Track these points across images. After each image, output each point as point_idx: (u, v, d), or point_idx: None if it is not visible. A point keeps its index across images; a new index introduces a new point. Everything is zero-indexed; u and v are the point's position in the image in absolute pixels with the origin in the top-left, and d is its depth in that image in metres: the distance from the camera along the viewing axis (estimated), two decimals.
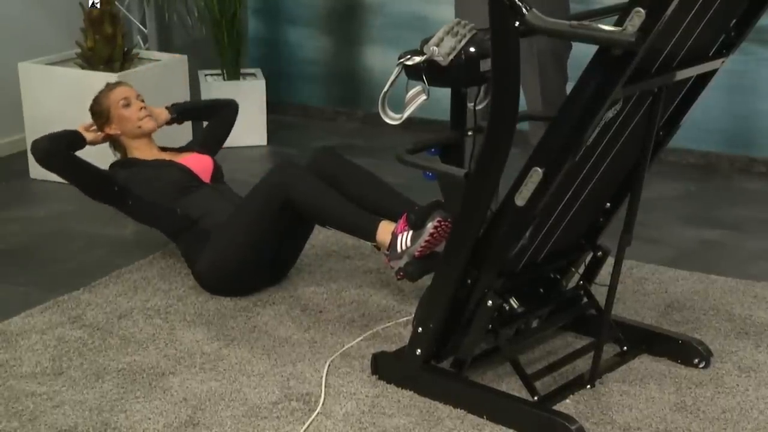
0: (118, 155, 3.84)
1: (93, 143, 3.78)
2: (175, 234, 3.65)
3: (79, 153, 3.69)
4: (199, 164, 3.77)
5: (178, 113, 3.93)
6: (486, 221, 2.72)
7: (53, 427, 2.79)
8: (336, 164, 3.53)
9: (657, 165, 3.04)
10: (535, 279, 3.11)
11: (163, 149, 3.86)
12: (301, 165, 3.50)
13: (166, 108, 3.90)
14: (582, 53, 2.46)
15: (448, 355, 2.96)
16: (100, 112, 3.78)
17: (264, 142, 5.33)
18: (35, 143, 3.63)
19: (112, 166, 3.79)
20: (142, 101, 3.80)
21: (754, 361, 3.14)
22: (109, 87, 3.84)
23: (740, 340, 3.28)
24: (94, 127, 3.79)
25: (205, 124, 4.09)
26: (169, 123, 3.90)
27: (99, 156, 3.83)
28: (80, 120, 4.63)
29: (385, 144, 5.11)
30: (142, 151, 3.79)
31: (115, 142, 3.82)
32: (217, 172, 3.81)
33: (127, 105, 3.75)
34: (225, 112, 4.03)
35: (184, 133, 4.40)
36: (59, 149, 3.62)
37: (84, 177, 3.67)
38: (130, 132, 3.77)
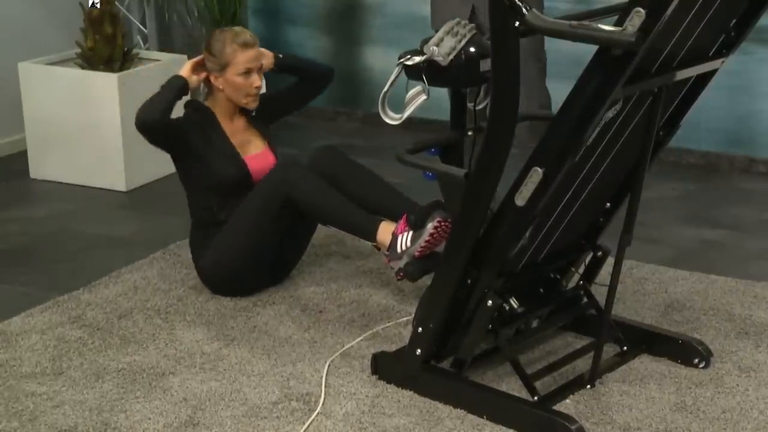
0: (204, 91, 3.59)
1: (194, 87, 3.51)
2: (196, 219, 3.57)
3: None
4: (262, 168, 3.53)
5: (280, 66, 3.63)
6: (486, 221, 2.72)
7: (53, 427, 2.79)
8: (337, 163, 3.53)
9: (657, 165, 3.04)
10: (535, 279, 3.11)
11: (241, 112, 3.59)
12: (302, 164, 3.50)
13: (273, 54, 3.60)
14: (582, 53, 2.46)
15: (448, 355, 2.96)
16: (217, 59, 3.46)
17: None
18: (141, 112, 3.35)
19: (191, 107, 3.54)
20: (260, 71, 3.52)
21: (754, 361, 3.14)
22: (243, 41, 3.47)
23: (740, 340, 3.27)
24: (201, 67, 3.49)
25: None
26: (266, 71, 3.62)
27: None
28: (80, 120, 4.64)
29: (385, 144, 5.11)
30: (225, 111, 3.55)
31: (210, 85, 3.54)
32: None
33: (247, 75, 3.48)
34: (319, 82, 3.77)
35: None
36: (162, 118, 3.35)
37: (166, 137, 3.43)
38: (233, 98, 3.52)
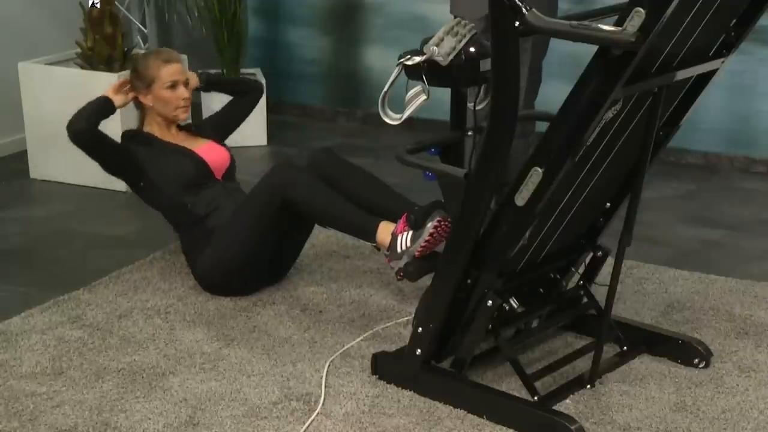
0: (138, 116, 3.73)
1: (121, 106, 3.65)
2: (179, 226, 3.64)
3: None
4: (217, 158, 3.70)
5: (206, 83, 3.82)
6: (486, 221, 2.72)
7: (53, 427, 2.79)
8: (335, 165, 3.53)
9: (657, 165, 3.04)
10: (535, 279, 3.11)
11: (181, 128, 3.76)
12: (300, 165, 3.50)
13: (196, 74, 3.80)
14: (582, 53, 2.46)
15: (448, 355, 2.96)
16: (143, 77, 3.62)
17: (264, 142, 5.33)
18: (69, 123, 3.50)
19: (127, 137, 3.68)
20: (186, 84, 3.67)
21: (754, 361, 3.14)
22: (164, 57, 3.65)
23: (740, 340, 3.28)
24: (127, 87, 3.65)
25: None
26: (195, 90, 3.78)
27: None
28: None
29: (385, 144, 5.12)
30: (162, 128, 3.69)
31: (141, 106, 3.69)
32: (232, 169, 3.76)
33: (173, 88, 3.62)
34: (250, 95, 3.96)
35: None
36: (89, 128, 3.50)
37: (106, 153, 3.57)
38: (163, 113, 3.65)
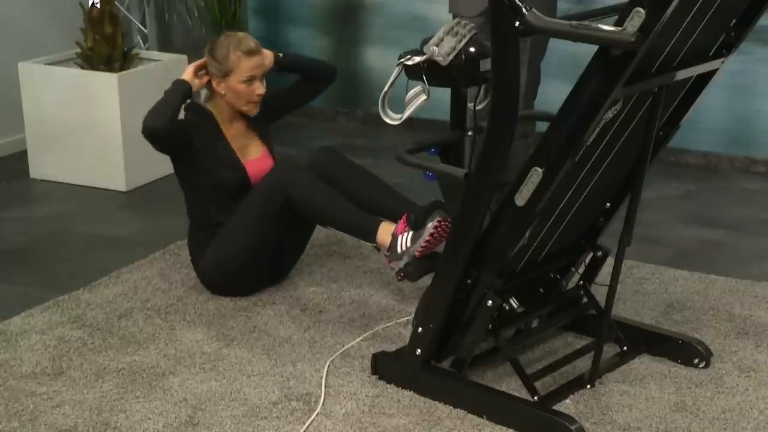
0: (206, 94, 3.58)
1: (197, 91, 3.49)
2: (194, 219, 3.57)
3: None
4: (260, 172, 3.52)
5: (281, 65, 3.59)
6: (486, 221, 2.72)
7: (53, 427, 2.79)
8: (336, 164, 3.53)
9: (657, 165, 3.04)
10: (535, 279, 3.11)
11: (243, 118, 3.58)
12: (301, 165, 3.50)
13: (274, 54, 3.57)
14: (582, 53, 2.46)
15: (448, 355, 2.96)
16: (221, 65, 3.45)
17: None
18: (147, 118, 3.32)
19: (191, 111, 3.52)
20: (263, 79, 3.50)
21: (754, 361, 3.14)
22: (247, 47, 3.45)
23: (740, 340, 3.27)
24: (203, 72, 3.49)
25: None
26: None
27: None
28: (80, 120, 4.64)
29: (385, 144, 5.12)
30: (225, 115, 3.54)
31: (212, 89, 3.53)
32: None
33: (250, 83, 3.47)
34: (320, 81, 3.75)
35: None
36: (169, 123, 3.34)
37: (171, 142, 3.41)
38: (233, 104, 3.51)
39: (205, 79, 3.49)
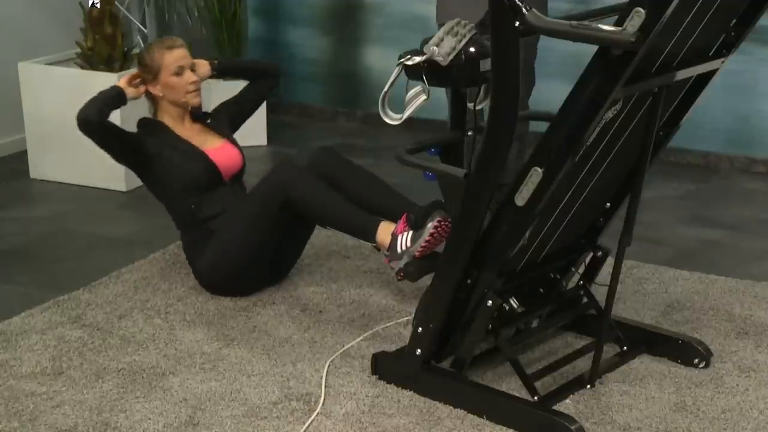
0: (151, 109, 3.69)
1: (133, 98, 3.61)
2: (181, 224, 3.62)
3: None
4: (228, 161, 3.65)
5: (220, 70, 3.75)
6: (486, 221, 2.72)
7: (53, 427, 2.79)
8: (335, 164, 3.53)
9: (657, 165, 3.04)
10: (535, 279, 3.11)
11: (195, 120, 3.70)
12: (300, 165, 3.50)
13: (209, 62, 3.71)
14: (582, 53, 2.46)
15: (448, 355, 2.96)
16: (149, 67, 3.58)
17: (264, 142, 5.33)
18: (79, 111, 3.44)
19: (142, 125, 3.65)
20: (193, 68, 3.62)
21: (754, 361, 3.14)
22: (167, 44, 3.61)
23: (740, 340, 3.28)
24: (137, 80, 3.61)
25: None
26: (208, 77, 3.73)
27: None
28: None
29: (385, 144, 5.12)
30: (176, 119, 3.64)
31: (153, 98, 3.65)
32: (241, 171, 3.72)
33: (179, 74, 3.58)
34: (265, 80, 3.87)
35: None
36: (99, 119, 3.45)
37: (115, 144, 3.53)
38: (173, 101, 3.61)
39: (142, 88, 3.63)
